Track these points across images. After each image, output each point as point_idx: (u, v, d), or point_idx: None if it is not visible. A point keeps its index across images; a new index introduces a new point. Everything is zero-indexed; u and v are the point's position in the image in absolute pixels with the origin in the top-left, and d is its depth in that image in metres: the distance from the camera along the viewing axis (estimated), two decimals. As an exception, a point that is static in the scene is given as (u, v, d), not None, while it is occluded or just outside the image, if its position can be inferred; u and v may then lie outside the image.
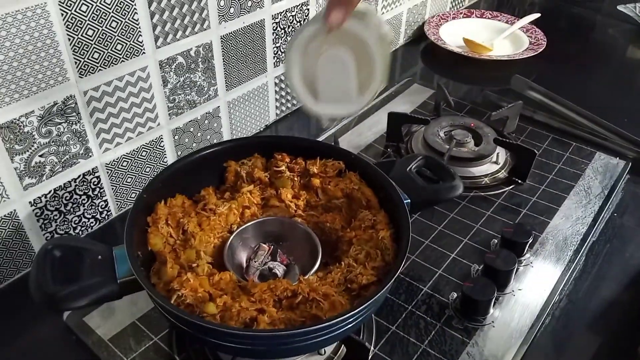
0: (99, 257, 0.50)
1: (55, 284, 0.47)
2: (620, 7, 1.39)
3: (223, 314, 0.48)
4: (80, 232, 0.75)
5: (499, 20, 1.34)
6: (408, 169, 0.61)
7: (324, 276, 0.54)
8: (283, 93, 0.99)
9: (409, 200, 0.57)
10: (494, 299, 0.64)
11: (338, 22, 0.43)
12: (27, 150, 0.64)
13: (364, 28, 0.45)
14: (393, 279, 0.49)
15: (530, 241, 0.72)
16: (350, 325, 0.49)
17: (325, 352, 0.59)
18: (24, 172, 0.65)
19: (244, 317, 0.48)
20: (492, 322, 0.64)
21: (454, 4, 1.42)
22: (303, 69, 0.48)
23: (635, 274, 0.71)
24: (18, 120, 0.62)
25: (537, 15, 1.31)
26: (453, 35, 1.27)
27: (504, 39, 1.27)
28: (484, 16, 1.36)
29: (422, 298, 0.67)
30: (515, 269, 0.68)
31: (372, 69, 0.46)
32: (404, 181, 0.59)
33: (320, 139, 0.95)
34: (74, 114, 0.67)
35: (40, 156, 0.66)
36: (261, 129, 0.99)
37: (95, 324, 0.63)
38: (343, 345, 0.59)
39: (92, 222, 0.76)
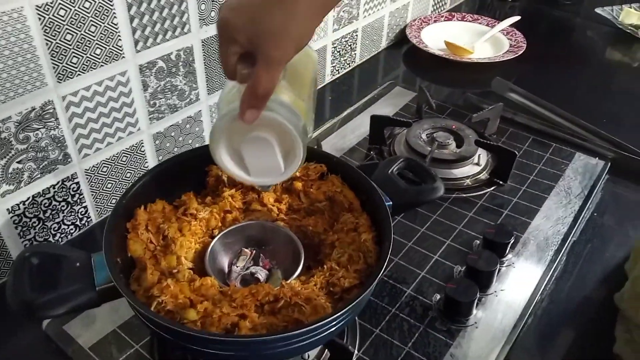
0: (77, 264, 0.49)
1: (32, 291, 0.46)
2: (598, 10, 1.41)
3: (204, 320, 0.48)
4: (60, 239, 0.74)
5: (480, 24, 1.35)
6: (390, 171, 0.61)
7: (307, 280, 0.54)
8: (265, 97, 0.99)
9: (391, 203, 0.58)
10: (476, 300, 0.65)
11: (251, 120, 0.45)
12: (5, 157, 0.63)
13: (276, 114, 0.47)
14: (375, 282, 0.49)
15: (511, 242, 0.72)
16: (332, 329, 0.48)
17: (308, 356, 0.58)
18: (1, 178, 0.64)
19: (225, 322, 0.47)
20: (475, 323, 0.65)
21: (435, 8, 1.43)
22: (230, 149, 0.50)
23: (615, 272, 0.72)
24: (-6, 126, 0.61)
25: (517, 18, 1.33)
26: (434, 38, 1.28)
27: (485, 42, 1.28)
28: (465, 19, 1.37)
29: (405, 300, 0.67)
30: (497, 270, 0.68)
31: (293, 143, 0.49)
32: (385, 183, 0.59)
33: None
34: (53, 119, 0.66)
35: (18, 162, 0.65)
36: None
37: (75, 333, 0.63)
38: (327, 349, 0.59)
39: (71, 229, 0.75)
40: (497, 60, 1.19)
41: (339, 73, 1.17)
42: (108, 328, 0.63)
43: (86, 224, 0.77)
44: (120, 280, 0.47)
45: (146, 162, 0.81)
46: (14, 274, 0.47)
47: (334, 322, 0.47)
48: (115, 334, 0.63)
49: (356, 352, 0.61)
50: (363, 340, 0.63)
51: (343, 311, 0.46)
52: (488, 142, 0.88)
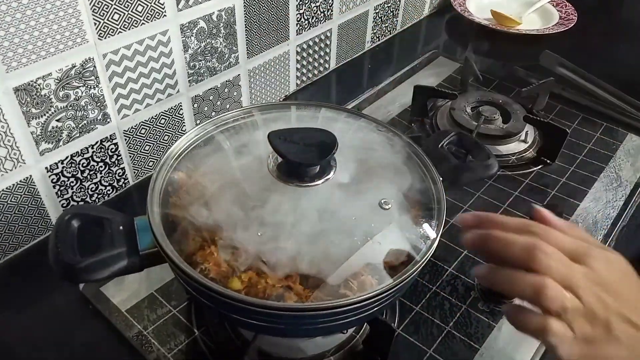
0: (120, 227, 0.48)
1: (74, 254, 0.45)
2: (655, -18, 1.33)
3: (248, 290, 0.46)
4: (97, 200, 0.74)
5: (528, -7, 1.29)
6: (440, 145, 0.58)
7: (352, 255, 0.52)
8: (304, 62, 0.96)
9: (441, 179, 0.55)
10: (522, 282, 0.62)
11: None
12: (44, 114, 0.62)
13: None
14: (425, 260, 0.47)
15: (560, 224, 0.69)
16: (379, 307, 0.47)
17: (347, 330, 0.57)
18: (40, 136, 0.63)
19: (270, 294, 0.46)
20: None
21: (481, -25, 1.36)
22: None
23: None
24: (35, 82, 0.59)
25: (569, -12, 1.26)
26: (480, 7, 1.23)
27: (533, 13, 1.22)
28: (513, -12, 1.30)
29: (446, 279, 0.65)
30: (544, 252, 0.66)
31: None
32: (435, 158, 0.56)
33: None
34: (93, 77, 0.65)
35: (58, 121, 0.64)
36: (280, 100, 0.96)
37: (112, 294, 0.62)
38: (366, 324, 0.57)
39: (109, 190, 0.75)
40: (545, 33, 1.14)
41: (379, 40, 1.13)
42: (145, 291, 0.63)
43: (123, 185, 0.76)
44: (167, 246, 0.46)
45: (184, 125, 0.79)
46: (56, 235, 0.46)
47: (381, 299, 0.45)
48: (153, 297, 0.62)
49: (395, 328, 0.59)
50: (403, 317, 0.61)
51: (392, 289, 0.44)
52: (538, 118, 0.84)
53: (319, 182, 0.50)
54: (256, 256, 0.46)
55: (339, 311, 0.43)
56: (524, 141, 0.85)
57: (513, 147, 0.84)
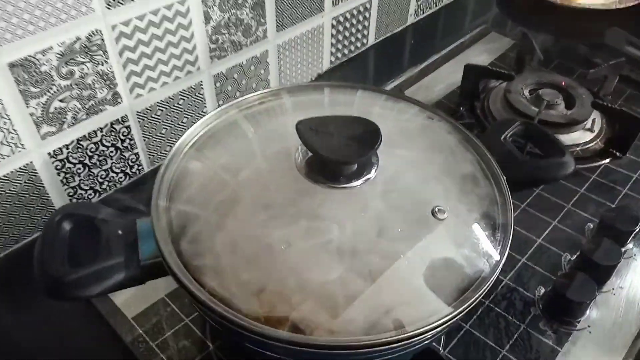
0: (119, 231, 0.40)
1: (63, 265, 0.38)
2: None
3: (268, 313, 0.38)
4: (108, 188, 0.67)
5: (591, -38, 1.15)
6: (503, 137, 0.48)
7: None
8: (340, 37, 0.87)
9: (505, 177, 0.45)
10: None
11: None
12: (45, 94, 0.55)
13: None
14: (488, 286, 0.38)
15: (637, 230, 0.59)
16: (430, 340, 0.38)
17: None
18: (41, 118, 0.56)
19: (295, 318, 0.38)
20: (589, 326, 0.53)
21: (536, -59, 1.23)
22: None
23: None
24: (34, 57, 0.52)
25: (638, -44, 1.12)
26: (536, -23, 1.10)
27: (597, -16, 1.09)
28: (573, -44, 1.17)
29: (502, 291, 0.56)
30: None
31: None
32: (499, 154, 0.46)
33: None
34: (100, 52, 0.57)
35: (61, 101, 0.56)
36: (312, 79, 0.87)
37: (117, 296, 0.55)
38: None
39: (121, 177, 0.68)
40: (612, 8, 1.01)
41: (423, 13, 1.03)
42: (155, 295, 0.56)
43: (137, 172, 0.69)
44: (169, 256, 0.38)
45: (205, 106, 0.71)
46: (42, 240, 0.38)
47: (434, 333, 0.36)
48: (164, 303, 0.55)
49: (441, 350, 0.51)
50: (449, 337, 0.52)
51: (450, 321, 0.36)
52: (608, 104, 0.73)
53: (358, 182, 0.41)
54: (279, 274, 0.38)
55: (382, 348, 0.34)
56: (590, 130, 0.74)
57: (577, 137, 0.73)
